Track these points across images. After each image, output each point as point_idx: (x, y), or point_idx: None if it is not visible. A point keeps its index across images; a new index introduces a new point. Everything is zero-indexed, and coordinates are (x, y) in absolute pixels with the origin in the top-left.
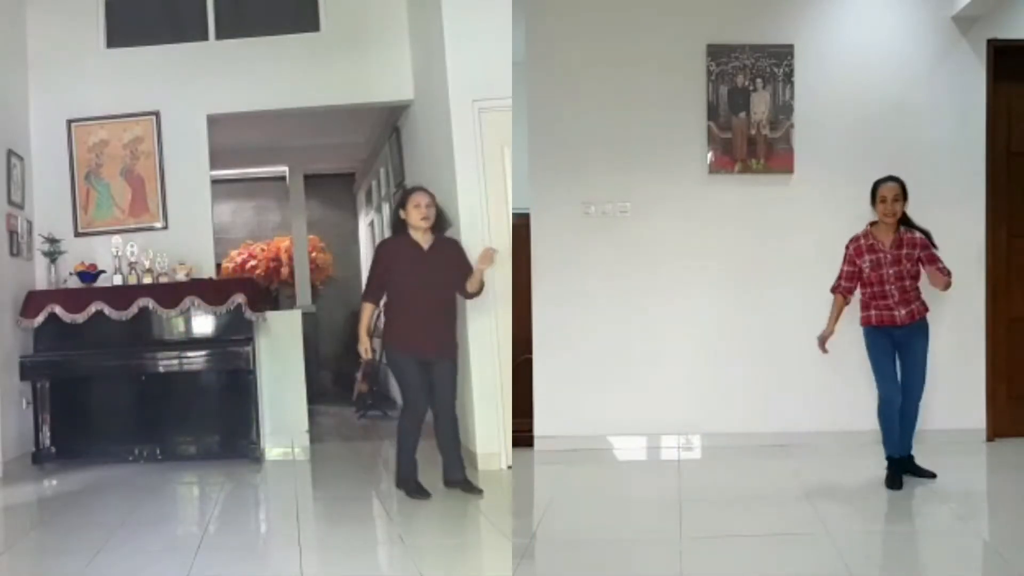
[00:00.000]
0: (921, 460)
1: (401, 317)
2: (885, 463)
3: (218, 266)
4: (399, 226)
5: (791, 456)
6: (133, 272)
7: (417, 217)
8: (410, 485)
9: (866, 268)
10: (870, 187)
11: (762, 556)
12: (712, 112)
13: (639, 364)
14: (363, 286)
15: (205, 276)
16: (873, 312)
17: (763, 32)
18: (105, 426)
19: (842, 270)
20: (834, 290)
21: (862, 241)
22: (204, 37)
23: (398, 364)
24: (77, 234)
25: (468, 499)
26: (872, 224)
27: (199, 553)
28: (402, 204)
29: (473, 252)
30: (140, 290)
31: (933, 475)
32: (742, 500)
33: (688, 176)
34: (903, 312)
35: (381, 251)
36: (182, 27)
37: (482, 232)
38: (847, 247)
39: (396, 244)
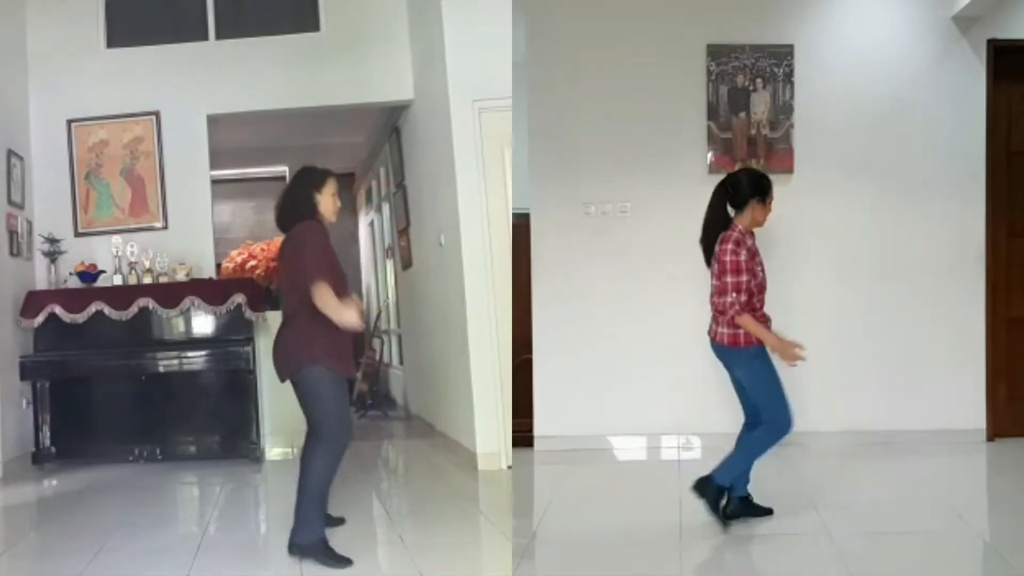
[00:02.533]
0: (922, 460)
1: (332, 326)
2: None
3: (218, 266)
4: (309, 210)
5: (791, 456)
6: (133, 272)
7: (332, 209)
8: (323, 546)
9: (757, 275)
10: (763, 181)
11: (762, 556)
12: (712, 112)
13: (639, 364)
14: (309, 268)
15: (205, 276)
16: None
17: (763, 32)
18: (105, 426)
19: (741, 283)
20: (742, 311)
21: (749, 243)
22: (204, 37)
23: (331, 386)
24: (77, 234)
25: (468, 499)
26: (739, 224)
27: (199, 553)
28: (319, 186)
29: (474, 253)
30: (140, 290)
31: (770, 511)
32: None
33: (688, 176)
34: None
35: (321, 234)
36: (182, 27)
37: (482, 232)
38: (737, 254)
39: (325, 231)
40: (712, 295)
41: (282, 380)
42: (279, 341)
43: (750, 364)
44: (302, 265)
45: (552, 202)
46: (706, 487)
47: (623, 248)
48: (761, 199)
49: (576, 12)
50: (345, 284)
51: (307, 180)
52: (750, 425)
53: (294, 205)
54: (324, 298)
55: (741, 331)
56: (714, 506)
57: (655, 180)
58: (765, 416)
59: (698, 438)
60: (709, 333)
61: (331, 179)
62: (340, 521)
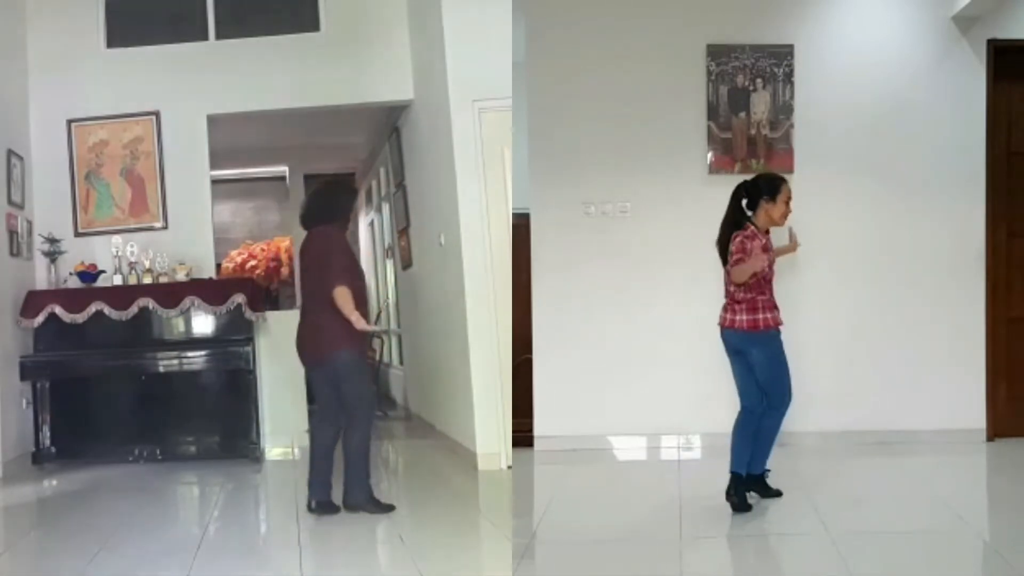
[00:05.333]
0: (922, 460)
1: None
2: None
3: (218, 266)
4: (342, 216)
5: (791, 456)
6: (133, 272)
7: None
8: (371, 498)
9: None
10: (774, 181)
11: (762, 556)
12: (712, 112)
13: (639, 364)
14: (336, 271)
15: (205, 276)
16: (774, 314)
17: (763, 32)
18: (105, 426)
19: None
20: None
21: (763, 240)
22: (204, 37)
23: (361, 365)
24: (77, 234)
25: (468, 499)
26: (753, 225)
27: (199, 553)
28: (355, 197)
29: (474, 253)
30: (140, 290)
31: (779, 493)
32: None
33: (688, 176)
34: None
35: (347, 243)
36: (182, 27)
37: (482, 232)
38: (744, 243)
39: (347, 239)
40: (728, 286)
41: (310, 366)
42: (310, 331)
43: (770, 345)
44: (329, 267)
45: (552, 202)
46: (750, 482)
47: (623, 248)
48: (770, 198)
49: (576, 12)
50: (364, 287)
51: (349, 189)
52: (749, 409)
53: (334, 208)
54: (341, 300)
55: (759, 316)
56: (764, 491)
57: (655, 180)
58: (774, 395)
59: (698, 438)
60: (721, 322)
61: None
62: (337, 508)
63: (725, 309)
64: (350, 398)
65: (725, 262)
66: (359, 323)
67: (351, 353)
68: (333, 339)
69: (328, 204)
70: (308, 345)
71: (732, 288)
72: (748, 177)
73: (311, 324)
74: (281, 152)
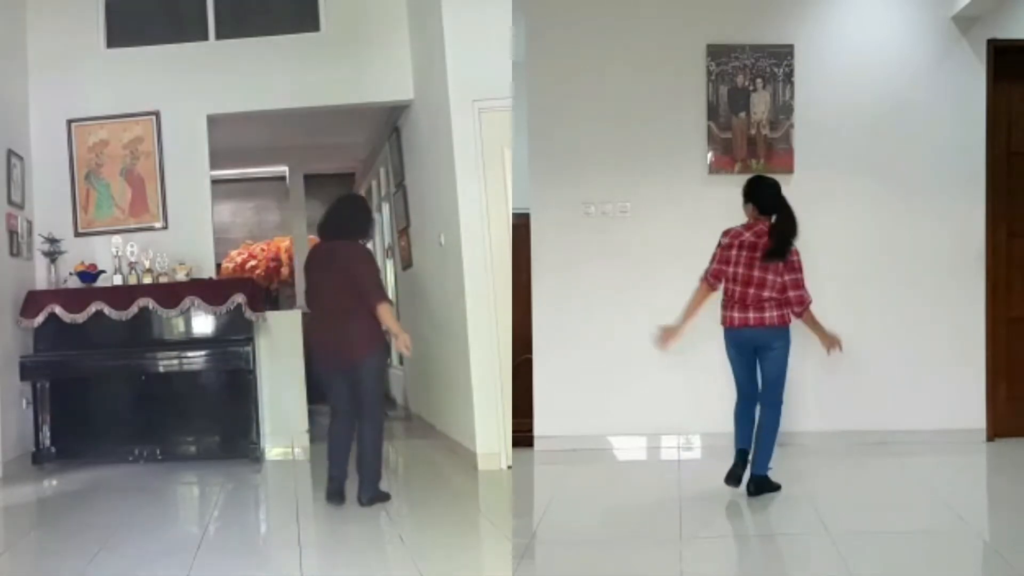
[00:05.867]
0: (922, 460)
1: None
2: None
3: (218, 266)
4: (364, 231)
5: (791, 456)
6: (133, 272)
7: None
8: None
9: None
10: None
11: (762, 556)
12: (712, 112)
13: (639, 364)
14: (376, 287)
15: (205, 276)
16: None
17: (763, 32)
18: (105, 426)
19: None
20: (810, 303)
21: None
22: (204, 37)
23: (384, 367)
24: (77, 234)
25: (468, 499)
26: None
27: (199, 553)
28: (372, 228)
29: (474, 253)
30: (140, 290)
31: (778, 487)
32: (742, 500)
33: (688, 176)
34: None
35: (373, 257)
36: (182, 27)
37: (482, 232)
38: (798, 254)
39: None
40: (764, 287)
41: (336, 368)
42: (337, 336)
43: (789, 338)
44: (365, 280)
45: (552, 202)
46: (759, 484)
47: (623, 248)
48: None
49: (576, 12)
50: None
51: (368, 209)
52: (748, 396)
53: (358, 225)
54: (388, 316)
55: (785, 312)
56: (772, 487)
57: (655, 180)
58: (775, 391)
59: (698, 438)
60: (743, 323)
61: None
62: (344, 500)
63: (744, 309)
64: (368, 397)
65: (774, 258)
66: (407, 341)
67: (381, 356)
68: (366, 343)
69: (353, 220)
70: (332, 348)
71: (755, 290)
72: (769, 176)
73: (338, 330)
74: (281, 152)
